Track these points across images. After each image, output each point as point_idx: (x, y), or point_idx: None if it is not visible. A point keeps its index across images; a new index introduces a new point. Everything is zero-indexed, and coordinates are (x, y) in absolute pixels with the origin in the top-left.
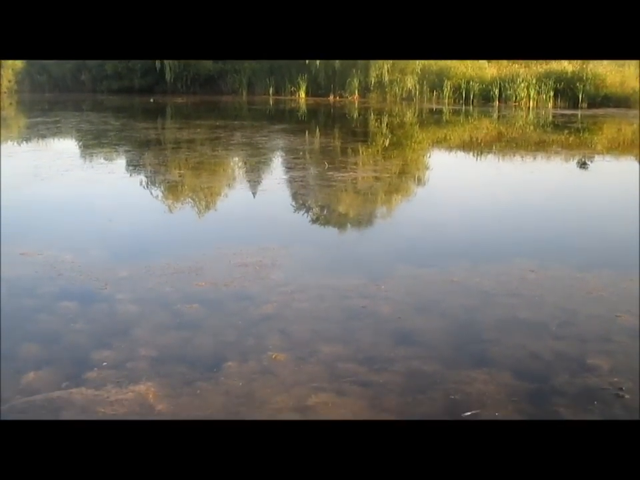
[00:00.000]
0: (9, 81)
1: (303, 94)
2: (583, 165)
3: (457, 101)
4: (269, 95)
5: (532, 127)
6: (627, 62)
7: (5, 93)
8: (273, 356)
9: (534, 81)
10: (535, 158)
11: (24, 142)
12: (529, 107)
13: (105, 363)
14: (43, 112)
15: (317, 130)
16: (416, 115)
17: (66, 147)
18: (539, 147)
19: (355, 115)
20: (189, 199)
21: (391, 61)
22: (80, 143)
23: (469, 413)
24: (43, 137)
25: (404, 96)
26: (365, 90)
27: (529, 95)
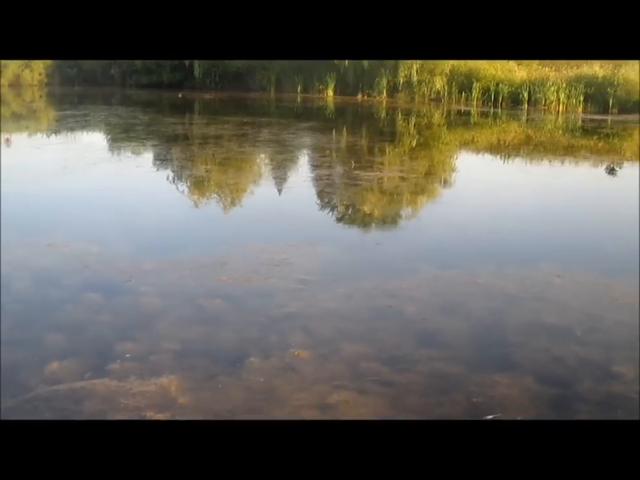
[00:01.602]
0: (40, 74)
1: (330, 92)
2: (611, 170)
3: (485, 103)
4: (296, 92)
5: (561, 131)
6: None
7: (36, 85)
8: (296, 353)
9: (564, 85)
10: (563, 162)
11: (53, 134)
12: (558, 111)
13: (128, 355)
14: (72, 105)
15: (344, 129)
16: (444, 116)
17: (94, 140)
18: (568, 151)
19: (383, 114)
20: (215, 195)
21: (420, 61)
22: (108, 137)
23: (490, 417)
24: (72, 129)
25: (432, 97)
26: (393, 90)
27: (559, 99)
